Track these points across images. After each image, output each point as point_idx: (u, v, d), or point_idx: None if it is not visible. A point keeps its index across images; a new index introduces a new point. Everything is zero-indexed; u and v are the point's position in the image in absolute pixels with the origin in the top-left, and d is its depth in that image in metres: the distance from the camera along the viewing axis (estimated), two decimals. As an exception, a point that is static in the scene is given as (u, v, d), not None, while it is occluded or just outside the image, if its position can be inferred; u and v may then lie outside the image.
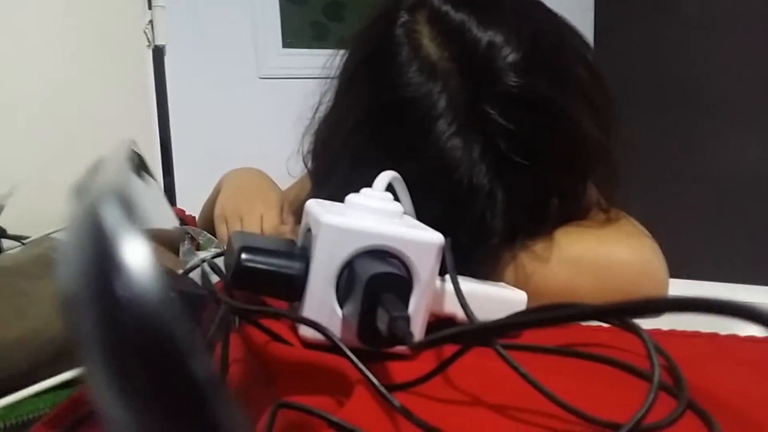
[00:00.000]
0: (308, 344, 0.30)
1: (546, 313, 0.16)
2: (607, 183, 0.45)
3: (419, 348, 0.21)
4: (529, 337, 0.34)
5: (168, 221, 0.30)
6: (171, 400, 0.07)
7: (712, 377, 0.30)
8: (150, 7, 1.30)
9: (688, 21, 1.63)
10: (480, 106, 0.38)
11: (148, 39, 1.31)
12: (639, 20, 1.74)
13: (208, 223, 0.62)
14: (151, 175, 0.26)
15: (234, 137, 1.43)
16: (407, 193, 0.37)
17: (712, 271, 0.60)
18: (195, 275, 0.36)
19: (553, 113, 0.39)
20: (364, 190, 0.33)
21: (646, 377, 0.28)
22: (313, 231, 0.31)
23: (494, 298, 0.36)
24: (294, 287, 0.30)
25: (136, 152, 0.23)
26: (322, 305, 0.30)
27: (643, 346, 0.29)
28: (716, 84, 1.58)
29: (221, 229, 0.55)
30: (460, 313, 0.33)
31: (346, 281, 0.30)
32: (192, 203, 0.71)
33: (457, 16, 0.40)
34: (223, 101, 1.47)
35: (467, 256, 0.37)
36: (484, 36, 0.38)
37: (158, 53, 1.35)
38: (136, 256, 0.08)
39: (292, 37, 1.55)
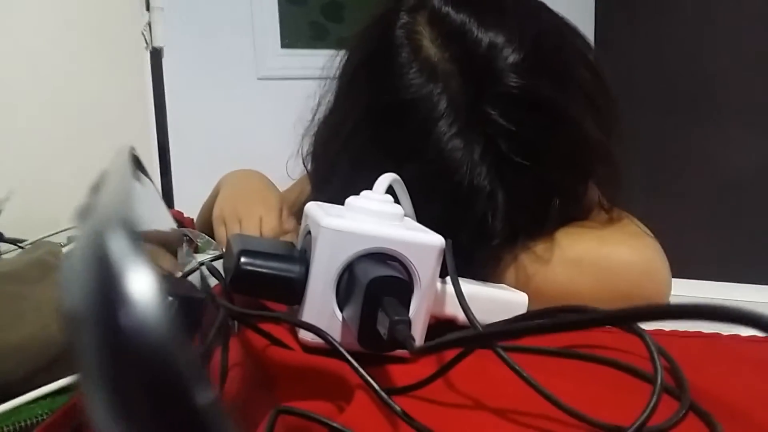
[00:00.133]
0: (308, 348, 0.30)
1: (549, 321, 0.16)
2: (609, 183, 0.45)
3: (420, 354, 0.21)
4: (530, 338, 0.33)
5: (165, 224, 0.30)
6: (172, 428, 0.07)
7: (714, 378, 0.30)
8: (148, 9, 1.30)
9: (690, 20, 1.63)
10: (481, 107, 0.38)
11: (146, 41, 1.31)
12: (640, 20, 1.74)
13: (206, 225, 0.61)
14: (147, 176, 0.26)
15: (233, 138, 1.43)
16: (408, 195, 0.37)
17: (715, 271, 0.59)
18: (194, 278, 0.35)
19: (554, 114, 0.39)
20: (364, 193, 0.33)
21: (649, 379, 0.28)
22: (313, 234, 0.31)
23: (495, 300, 0.36)
24: (294, 291, 0.30)
25: (132, 154, 0.23)
26: (322, 309, 0.30)
27: (646, 348, 0.29)
28: (718, 83, 1.58)
29: (220, 232, 0.55)
30: (461, 315, 0.33)
31: (346, 284, 0.30)
32: (190, 205, 0.71)
33: (458, 17, 0.39)
34: (222, 102, 1.47)
35: (468, 258, 0.37)
36: (485, 37, 0.38)
37: (156, 55, 1.34)
38: (142, 286, 0.08)
39: (290, 38, 1.55)
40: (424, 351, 0.21)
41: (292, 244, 0.35)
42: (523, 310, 0.36)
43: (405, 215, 0.34)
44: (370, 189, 0.33)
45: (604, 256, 0.40)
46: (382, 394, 0.23)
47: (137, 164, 0.23)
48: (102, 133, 0.93)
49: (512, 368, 0.26)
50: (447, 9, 0.40)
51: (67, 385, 0.28)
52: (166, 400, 0.07)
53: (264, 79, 1.51)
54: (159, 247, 0.28)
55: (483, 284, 0.37)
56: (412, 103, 0.38)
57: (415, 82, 0.39)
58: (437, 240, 0.31)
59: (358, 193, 0.33)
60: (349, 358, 0.25)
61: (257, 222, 0.53)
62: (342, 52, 0.46)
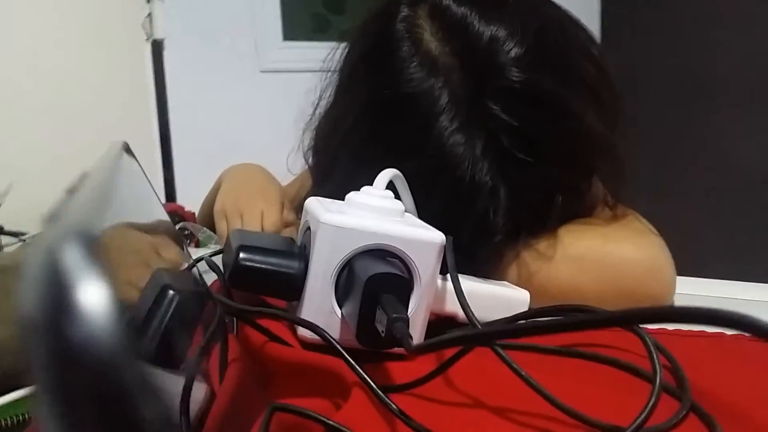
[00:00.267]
0: (307, 345, 0.30)
1: (547, 321, 0.16)
2: (613, 179, 0.44)
3: (417, 352, 0.21)
4: (530, 336, 0.33)
5: (157, 218, 0.30)
6: None
7: (716, 379, 0.30)
8: (148, 1, 1.30)
9: (697, 14, 1.61)
10: (482, 102, 0.37)
11: (146, 33, 1.30)
12: (646, 13, 1.72)
13: (207, 219, 0.61)
14: (141, 168, 0.25)
15: (235, 132, 1.43)
16: (408, 191, 0.37)
17: (723, 269, 0.59)
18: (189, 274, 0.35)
19: (557, 109, 0.39)
20: (365, 188, 0.33)
21: (650, 379, 0.28)
22: (312, 229, 0.31)
23: (496, 297, 0.36)
24: (293, 287, 0.30)
25: (126, 148, 0.23)
26: (321, 305, 0.30)
27: (645, 348, 0.29)
28: (727, 78, 1.56)
29: (221, 226, 0.54)
30: (461, 313, 0.33)
31: (345, 281, 0.30)
32: (192, 199, 0.71)
33: (459, 10, 0.39)
34: (224, 95, 1.46)
35: (470, 255, 0.37)
36: (487, 30, 0.38)
37: (157, 47, 1.34)
38: (92, 298, 0.07)
39: (292, 30, 1.54)
40: (422, 349, 0.21)
41: (292, 240, 0.35)
42: (524, 307, 0.36)
43: (406, 211, 0.34)
44: (371, 184, 0.33)
45: (608, 253, 0.39)
46: (379, 392, 0.23)
47: (129, 158, 0.23)
48: (103, 126, 0.93)
49: (510, 367, 0.25)
50: (448, 2, 0.39)
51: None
52: (111, 412, 0.07)
53: (266, 71, 1.50)
54: (167, 238, 0.28)
55: (484, 281, 0.37)
56: (413, 97, 0.38)
57: (416, 77, 0.38)
58: (438, 237, 0.31)
59: (358, 189, 0.33)
60: (346, 355, 0.25)
61: (259, 216, 0.53)
62: (343, 45, 0.45)
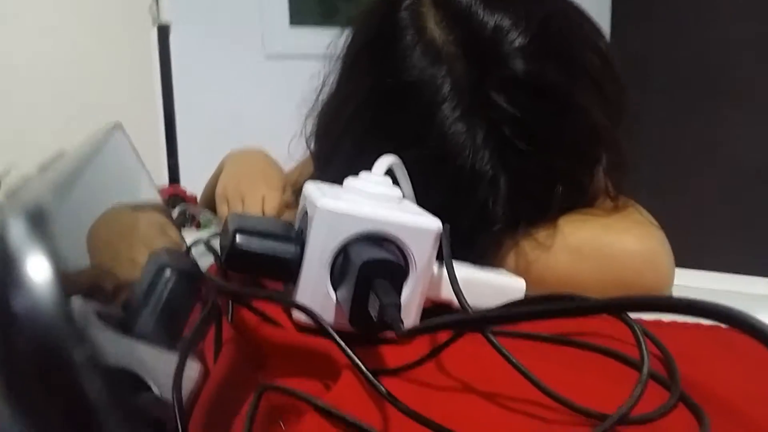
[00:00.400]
0: (302, 327, 0.30)
1: (535, 308, 0.16)
2: (615, 171, 0.44)
3: (406, 335, 0.21)
4: (524, 324, 0.33)
5: (146, 198, 0.30)
6: (63, 418, 0.07)
7: (708, 371, 0.30)
8: (155, -15, 1.29)
9: (708, 9, 1.59)
10: (485, 92, 0.37)
11: (153, 17, 1.30)
12: (657, 7, 1.70)
13: (210, 202, 0.62)
14: (133, 148, 0.25)
15: (240, 117, 1.43)
16: (407, 178, 0.37)
17: (726, 261, 0.59)
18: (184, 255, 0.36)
19: (560, 100, 0.39)
20: (363, 174, 0.33)
21: (639, 368, 0.28)
22: (309, 214, 0.31)
23: (492, 285, 0.36)
24: (288, 270, 0.30)
25: (118, 128, 0.23)
26: (316, 289, 0.30)
27: (634, 337, 0.29)
28: (735, 70, 1.54)
29: (222, 209, 0.55)
30: (456, 300, 0.33)
31: (341, 265, 0.30)
32: (196, 182, 0.71)
33: None
34: (230, 80, 1.46)
35: (468, 243, 0.37)
36: (491, 19, 0.38)
37: (163, 31, 1.33)
38: (34, 273, 0.07)
39: (299, 14, 1.53)
40: (411, 333, 0.21)
41: (290, 224, 0.35)
42: (520, 295, 0.36)
43: (404, 198, 0.34)
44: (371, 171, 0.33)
45: (607, 244, 0.39)
46: (368, 374, 0.23)
47: (120, 138, 0.23)
48: (107, 110, 0.93)
49: (500, 352, 0.26)
50: None
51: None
52: (57, 386, 0.07)
53: (272, 57, 1.50)
54: (169, 219, 0.28)
55: (481, 269, 0.37)
56: (416, 85, 0.38)
57: (419, 65, 0.38)
58: (434, 223, 0.31)
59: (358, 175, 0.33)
60: (336, 337, 0.25)
61: (260, 200, 0.53)
62: (347, 32, 0.45)
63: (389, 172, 0.34)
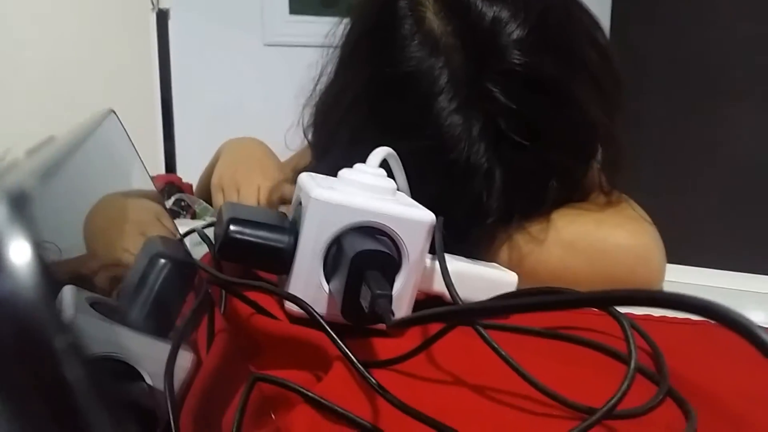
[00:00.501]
0: (294, 318, 0.30)
1: (523, 300, 0.16)
2: (610, 166, 0.44)
3: (395, 327, 0.21)
4: (515, 318, 0.34)
5: (138, 186, 0.30)
6: (44, 404, 0.07)
7: (697, 366, 0.30)
8: (155, -31, 1.28)
9: (706, 6, 1.58)
10: (482, 84, 0.37)
11: (152, 2, 1.29)
12: (656, 5, 1.69)
13: (205, 191, 0.61)
14: (127, 135, 0.25)
15: (237, 105, 1.42)
16: (402, 170, 0.37)
17: (722, 259, 0.59)
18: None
19: (557, 93, 0.38)
20: (357, 166, 0.33)
21: (628, 363, 0.28)
22: (303, 204, 0.31)
23: (484, 279, 0.36)
24: (282, 261, 0.30)
25: (112, 115, 0.23)
26: (309, 280, 0.30)
27: (622, 331, 0.29)
28: (735, 70, 1.54)
29: (218, 198, 0.55)
30: (448, 292, 0.33)
31: (333, 257, 0.30)
32: (193, 170, 0.71)
33: None
34: (228, 68, 1.45)
35: (462, 236, 0.37)
36: (490, 11, 0.37)
37: (162, 17, 1.32)
38: (14, 255, 0.08)
39: (299, 3, 1.52)
40: (400, 324, 0.22)
41: (284, 215, 0.35)
42: (512, 289, 0.36)
43: (398, 190, 0.34)
44: (367, 162, 0.33)
45: (600, 238, 0.40)
46: (358, 365, 0.23)
47: (113, 125, 0.23)
48: (105, 95, 0.92)
49: (490, 345, 0.26)
50: None
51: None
52: (36, 369, 0.07)
53: (271, 45, 1.49)
54: (163, 208, 0.28)
55: (473, 262, 0.37)
56: (413, 76, 0.38)
57: (417, 55, 0.38)
58: (427, 216, 0.31)
59: (353, 166, 0.33)
60: (327, 328, 0.25)
61: (255, 190, 0.53)
62: (345, 21, 0.45)
63: (384, 164, 0.34)
